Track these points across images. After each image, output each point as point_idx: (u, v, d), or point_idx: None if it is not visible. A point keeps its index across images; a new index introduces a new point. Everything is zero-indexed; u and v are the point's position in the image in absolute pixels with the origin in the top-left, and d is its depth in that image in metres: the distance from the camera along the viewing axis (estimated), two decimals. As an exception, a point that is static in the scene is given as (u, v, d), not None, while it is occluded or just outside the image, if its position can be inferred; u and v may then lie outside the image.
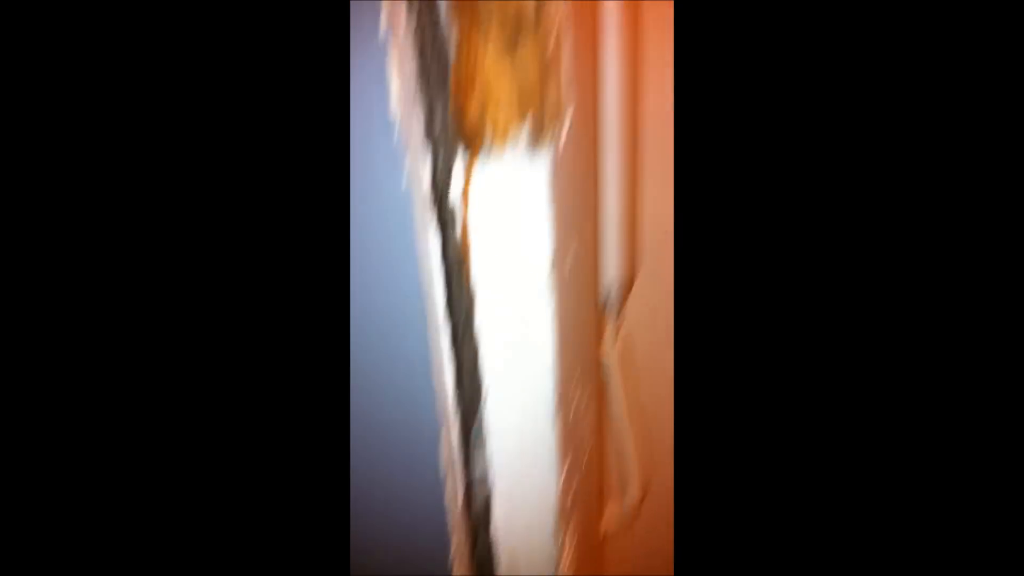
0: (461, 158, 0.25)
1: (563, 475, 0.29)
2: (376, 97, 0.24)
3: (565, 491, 0.30)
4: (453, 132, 0.25)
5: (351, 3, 0.22)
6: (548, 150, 0.25)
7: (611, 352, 0.37)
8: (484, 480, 0.30)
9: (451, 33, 0.24)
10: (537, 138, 0.25)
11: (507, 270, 0.26)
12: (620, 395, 0.37)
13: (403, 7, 0.23)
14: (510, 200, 0.25)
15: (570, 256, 0.28)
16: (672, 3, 0.24)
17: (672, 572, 0.24)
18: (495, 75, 0.24)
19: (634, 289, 0.39)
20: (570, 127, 0.27)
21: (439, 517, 0.30)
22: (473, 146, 0.25)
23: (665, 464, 0.41)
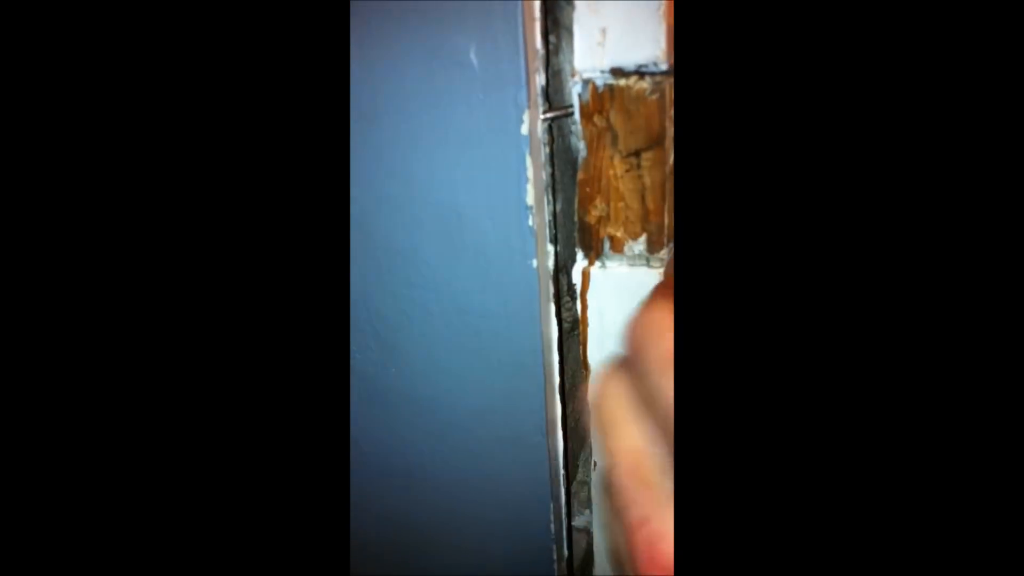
0: (580, 260, 0.27)
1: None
2: (517, 182, 0.26)
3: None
4: (575, 236, 0.27)
5: (496, 101, 0.25)
6: (662, 260, 0.27)
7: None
8: (585, 529, 0.33)
9: (579, 143, 0.26)
10: (652, 251, 0.26)
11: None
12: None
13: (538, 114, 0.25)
14: (624, 299, 0.27)
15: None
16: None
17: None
18: (618, 188, 0.25)
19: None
20: None
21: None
22: (592, 251, 0.27)
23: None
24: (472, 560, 0.34)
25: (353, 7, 0.25)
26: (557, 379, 0.29)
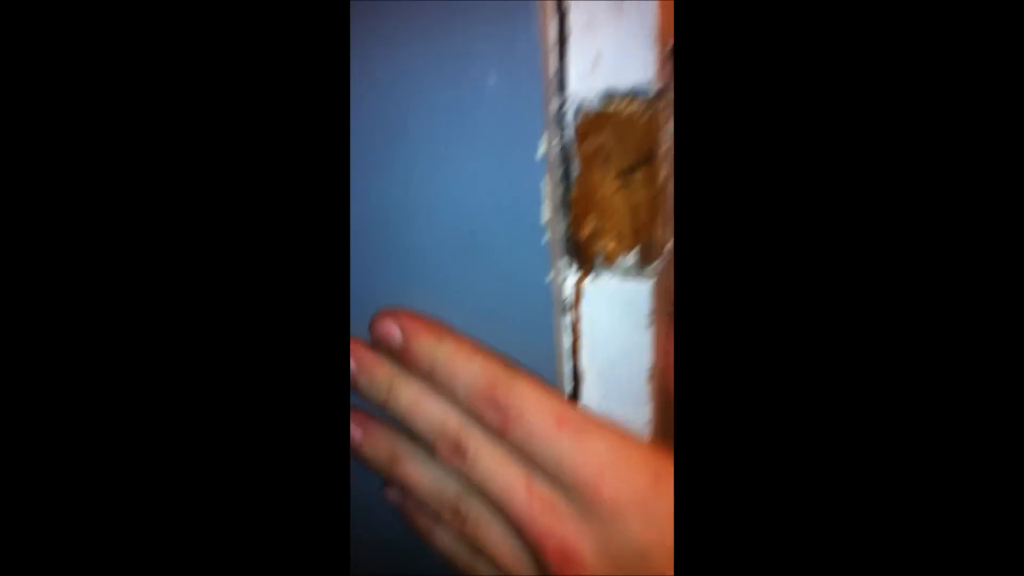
0: (573, 274, 0.29)
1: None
2: (533, 203, 0.28)
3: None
4: (569, 250, 0.28)
5: (516, 125, 0.27)
6: (652, 273, 0.28)
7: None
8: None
9: (575, 162, 0.27)
10: (644, 263, 0.28)
11: (609, 375, 0.30)
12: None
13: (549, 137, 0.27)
14: (616, 310, 0.29)
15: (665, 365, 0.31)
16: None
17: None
18: (611, 204, 0.27)
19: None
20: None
21: None
22: (585, 266, 0.28)
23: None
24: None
25: (384, 33, 0.27)
26: (569, 386, 0.31)
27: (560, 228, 0.28)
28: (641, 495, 0.26)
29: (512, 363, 0.29)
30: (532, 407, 0.28)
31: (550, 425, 0.27)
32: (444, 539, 0.31)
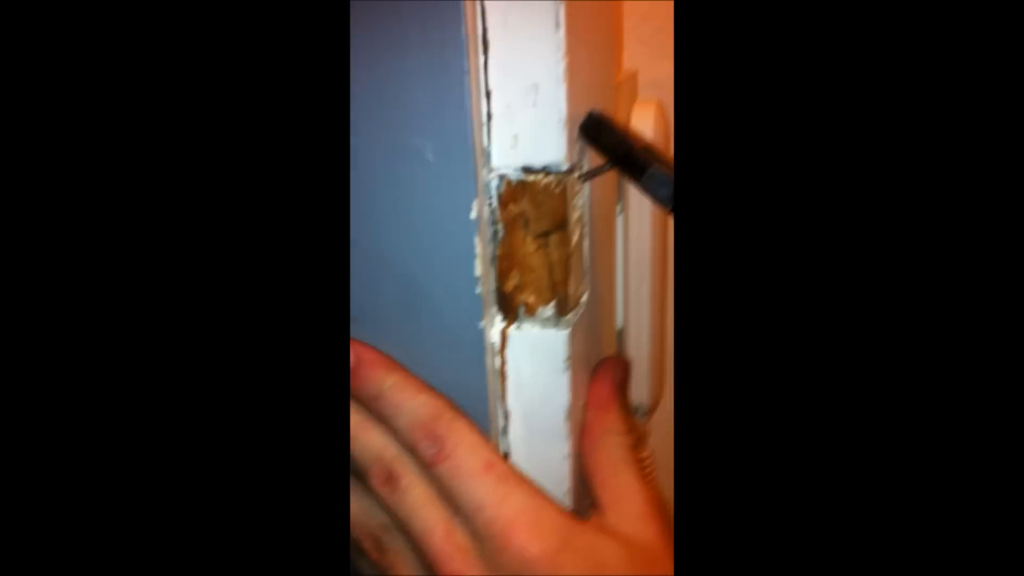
0: (500, 322, 0.32)
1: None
2: (467, 258, 0.32)
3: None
4: (496, 301, 0.32)
5: (454, 189, 0.30)
6: (567, 324, 0.32)
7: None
8: None
9: (499, 225, 0.31)
10: (561, 314, 0.32)
11: (531, 414, 0.33)
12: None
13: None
14: (537, 356, 0.32)
15: (582, 405, 0.34)
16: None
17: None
18: (530, 262, 0.31)
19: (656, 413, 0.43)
20: (588, 306, 0.34)
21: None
22: (510, 315, 0.32)
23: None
24: None
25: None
26: (501, 422, 0.34)
27: (490, 281, 0.32)
28: (548, 556, 0.27)
29: (454, 405, 0.32)
30: (466, 447, 0.30)
31: (478, 468, 0.29)
32: (362, 567, 0.33)
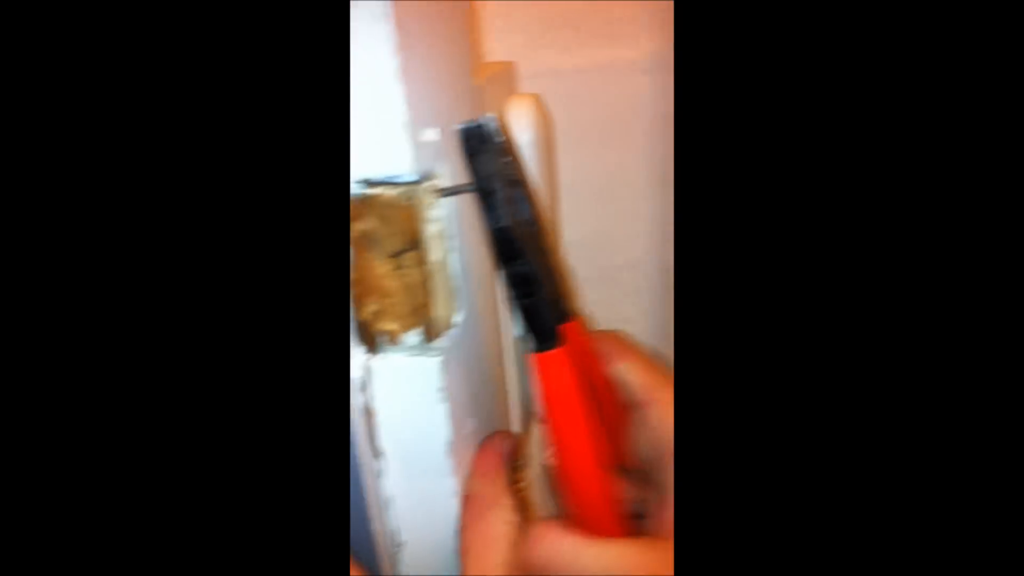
0: (362, 353, 0.29)
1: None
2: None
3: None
4: (355, 331, 0.29)
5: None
6: (440, 349, 0.28)
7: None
8: None
9: (351, 250, 0.28)
10: (429, 340, 0.28)
11: (409, 451, 0.30)
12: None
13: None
14: (408, 388, 0.29)
15: (468, 435, 0.31)
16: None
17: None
18: (385, 287, 0.27)
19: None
20: (464, 326, 0.31)
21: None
22: (370, 345, 0.29)
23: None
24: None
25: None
26: (375, 466, 0.31)
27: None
28: None
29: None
30: None
31: None
32: None
